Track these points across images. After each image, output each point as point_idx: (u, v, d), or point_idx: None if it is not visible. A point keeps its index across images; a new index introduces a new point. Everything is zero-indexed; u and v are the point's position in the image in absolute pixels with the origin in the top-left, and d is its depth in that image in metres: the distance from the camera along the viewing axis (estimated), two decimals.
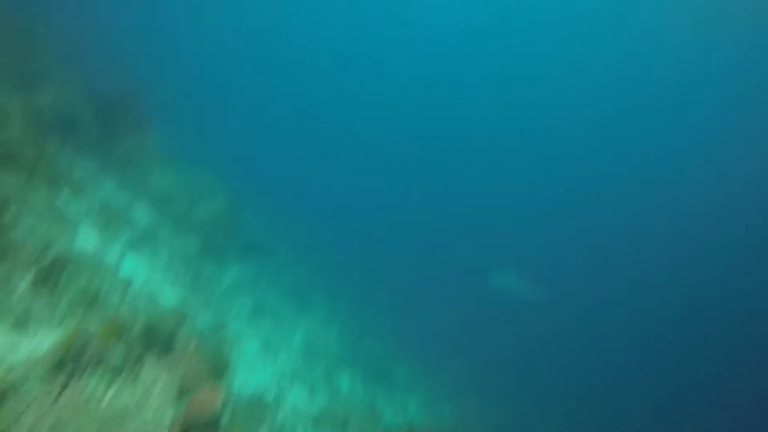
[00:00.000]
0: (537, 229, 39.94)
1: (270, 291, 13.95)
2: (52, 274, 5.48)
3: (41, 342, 4.52)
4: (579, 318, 28.68)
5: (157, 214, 11.28)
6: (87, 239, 7.85)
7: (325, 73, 51.63)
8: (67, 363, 4.17)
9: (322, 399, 10.46)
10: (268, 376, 9.15)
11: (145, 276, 8.53)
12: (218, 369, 6.35)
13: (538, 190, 45.99)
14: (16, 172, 7.73)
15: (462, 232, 36.50)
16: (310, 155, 37.90)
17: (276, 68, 49.04)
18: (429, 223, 37.35)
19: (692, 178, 44.14)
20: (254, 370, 8.99)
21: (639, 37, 40.50)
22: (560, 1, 42.00)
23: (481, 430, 15.73)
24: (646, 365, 27.21)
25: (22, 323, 4.61)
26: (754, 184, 41.06)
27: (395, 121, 50.41)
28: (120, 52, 25.17)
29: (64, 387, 3.97)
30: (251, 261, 14.54)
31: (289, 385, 9.66)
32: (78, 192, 8.88)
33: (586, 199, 44.72)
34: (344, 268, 23.22)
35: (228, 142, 25.84)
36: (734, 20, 34.15)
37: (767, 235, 37.66)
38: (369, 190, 39.11)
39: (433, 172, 46.74)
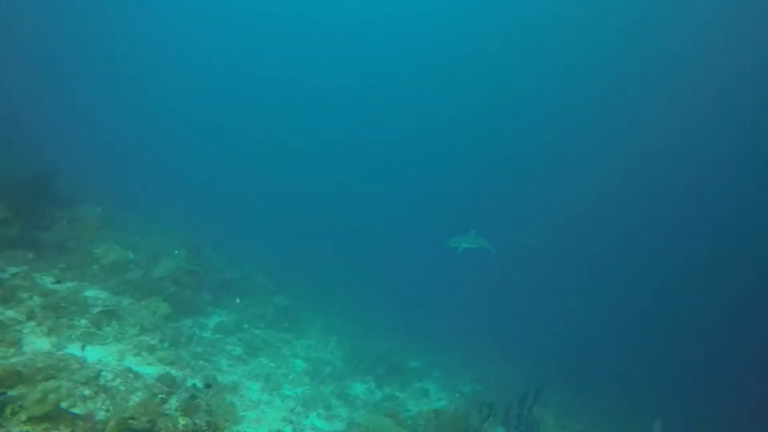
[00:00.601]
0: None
1: (257, 327, 13.36)
2: None
3: None
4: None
5: (113, 291, 10.49)
6: (35, 344, 7.12)
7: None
8: None
9: (342, 414, 10.10)
10: (280, 415, 8.69)
11: (116, 357, 7.87)
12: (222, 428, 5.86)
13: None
14: None
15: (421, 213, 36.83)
16: (252, 183, 37.13)
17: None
18: (391, 209, 37.56)
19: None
20: (263, 413, 8.49)
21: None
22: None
23: (502, 393, 15.74)
24: None
25: None
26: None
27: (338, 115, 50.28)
28: (24, 137, 23.59)
29: None
30: (228, 304, 13.88)
31: (304, 414, 9.23)
32: (12, 296, 8.07)
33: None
34: (323, 277, 22.80)
35: (167, 197, 24.75)
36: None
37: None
38: (319, 189, 38.96)
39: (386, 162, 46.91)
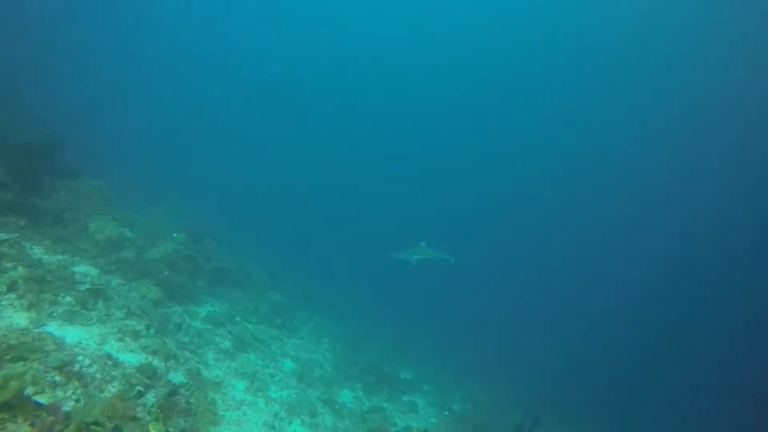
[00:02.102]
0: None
1: (249, 321, 12.92)
2: None
3: None
4: None
5: (104, 269, 10.07)
6: (12, 319, 6.70)
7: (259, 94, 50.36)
8: None
9: (327, 423, 9.64)
10: (262, 418, 8.22)
11: (97, 341, 7.42)
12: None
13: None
14: None
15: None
16: (257, 174, 36.93)
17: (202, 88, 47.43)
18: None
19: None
20: (245, 415, 8.03)
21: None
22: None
23: (493, 415, 15.23)
24: None
25: None
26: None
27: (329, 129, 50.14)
28: (34, 102, 23.34)
29: None
30: (222, 294, 13.46)
31: (288, 420, 8.76)
32: None
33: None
34: (321, 277, 22.42)
35: (170, 178, 24.46)
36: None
37: None
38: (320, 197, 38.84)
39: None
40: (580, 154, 46.65)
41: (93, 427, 3.75)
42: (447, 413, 13.51)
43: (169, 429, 4.47)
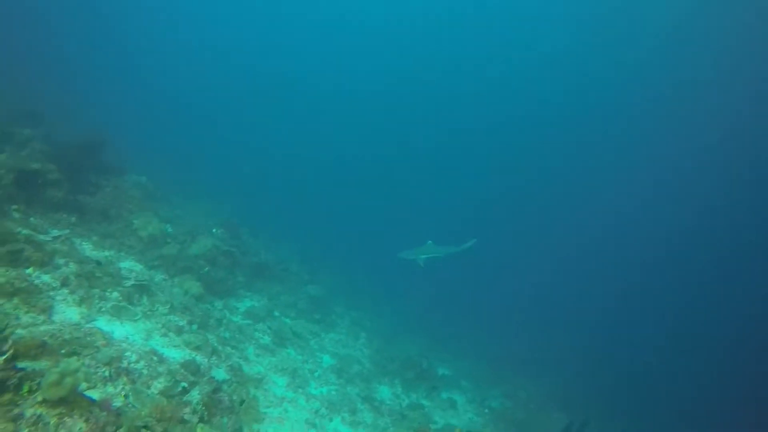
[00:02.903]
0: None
1: (287, 316, 13.03)
2: (10, 375, 4.53)
3: None
4: None
5: (147, 264, 10.32)
6: (65, 314, 6.90)
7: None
8: None
9: (367, 420, 9.57)
10: (304, 416, 8.22)
11: (143, 336, 7.58)
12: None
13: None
14: None
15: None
16: (295, 172, 37.31)
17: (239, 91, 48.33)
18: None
19: None
20: (287, 412, 8.05)
21: None
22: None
23: (532, 413, 14.86)
24: None
25: None
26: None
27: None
28: (79, 102, 24.28)
29: None
30: (261, 289, 13.61)
31: (329, 417, 8.74)
32: (50, 261, 7.91)
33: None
34: (358, 271, 22.41)
35: (205, 172, 24.97)
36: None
37: None
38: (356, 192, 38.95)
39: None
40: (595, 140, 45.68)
41: (143, 430, 3.75)
42: (487, 410, 13.25)
43: (215, 429, 4.46)
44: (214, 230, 14.83)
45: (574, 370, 20.28)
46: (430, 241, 13.33)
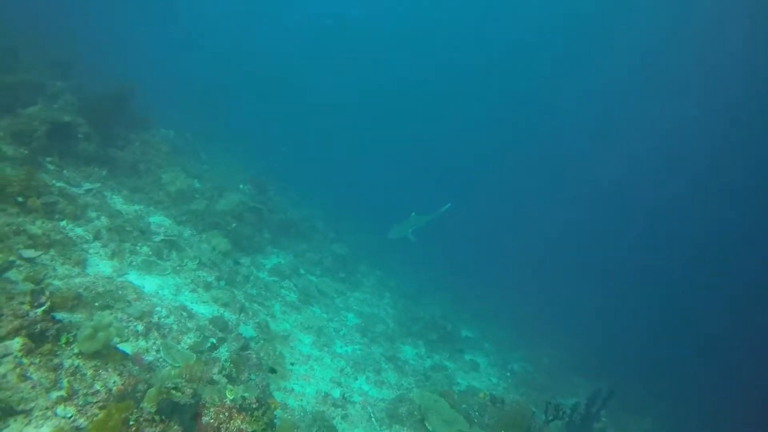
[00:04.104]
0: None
1: (313, 273, 13.12)
2: (49, 325, 4.60)
3: None
4: None
5: (176, 219, 10.40)
6: (98, 267, 7.00)
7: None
8: None
9: (391, 380, 9.69)
10: (329, 374, 8.34)
11: (172, 291, 7.70)
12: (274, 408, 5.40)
13: None
14: (6, 204, 6.89)
15: None
16: (321, 133, 37.00)
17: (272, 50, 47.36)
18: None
19: None
20: (312, 370, 8.18)
21: None
22: None
23: (554, 378, 14.86)
24: None
25: (4, 412, 3.68)
26: None
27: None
28: (107, 54, 24.17)
29: None
30: (287, 246, 13.68)
31: (353, 376, 8.86)
32: (82, 214, 8.00)
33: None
34: (378, 231, 22.39)
35: (237, 130, 24.85)
36: None
37: None
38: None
39: None
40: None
41: (173, 392, 3.77)
42: (509, 374, 13.31)
43: (246, 395, 4.48)
44: (241, 186, 14.85)
45: (598, 337, 20.15)
46: (413, 213, 13.55)
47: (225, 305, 8.01)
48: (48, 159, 9.19)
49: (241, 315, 8.09)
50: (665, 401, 16.37)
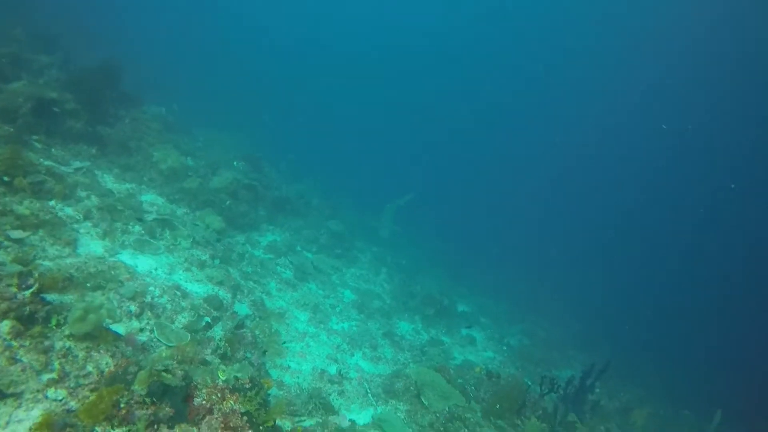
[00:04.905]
0: None
1: (309, 250, 13.08)
2: (39, 307, 4.54)
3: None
4: None
5: (169, 198, 10.27)
6: (89, 247, 6.91)
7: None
8: None
9: (388, 356, 9.76)
10: (325, 351, 8.38)
11: (166, 270, 7.64)
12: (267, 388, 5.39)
13: None
14: None
15: None
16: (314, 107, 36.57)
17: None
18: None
19: None
20: (309, 347, 8.21)
21: None
22: None
23: (550, 350, 15.06)
24: None
25: None
26: None
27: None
28: (97, 27, 23.48)
29: None
30: (283, 223, 13.60)
31: (350, 352, 8.92)
32: (72, 193, 7.87)
33: None
34: (380, 206, 22.31)
35: (228, 106, 24.41)
36: None
37: None
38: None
39: None
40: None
41: (164, 374, 3.73)
42: (505, 348, 13.45)
43: (239, 375, 4.46)
44: (235, 163, 14.66)
45: (593, 312, 20.39)
46: (387, 205, 15.15)
47: (220, 284, 7.97)
48: (34, 137, 8.98)
49: (236, 293, 8.06)
50: (658, 373, 16.68)
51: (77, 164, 9.42)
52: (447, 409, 7.08)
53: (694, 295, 26.66)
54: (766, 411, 14.90)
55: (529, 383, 8.98)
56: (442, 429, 6.61)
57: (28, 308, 4.40)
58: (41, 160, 8.23)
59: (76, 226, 7.42)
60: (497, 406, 7.49)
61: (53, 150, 9.17)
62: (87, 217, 7.73)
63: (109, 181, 9.54)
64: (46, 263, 6.04)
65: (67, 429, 3.38)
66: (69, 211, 7.65)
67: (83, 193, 8.29)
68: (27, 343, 4.32)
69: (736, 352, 20.81)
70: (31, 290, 4.86)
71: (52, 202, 7.44)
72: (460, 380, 8.02)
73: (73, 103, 10.38)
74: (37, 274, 5.16)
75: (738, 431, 13.64)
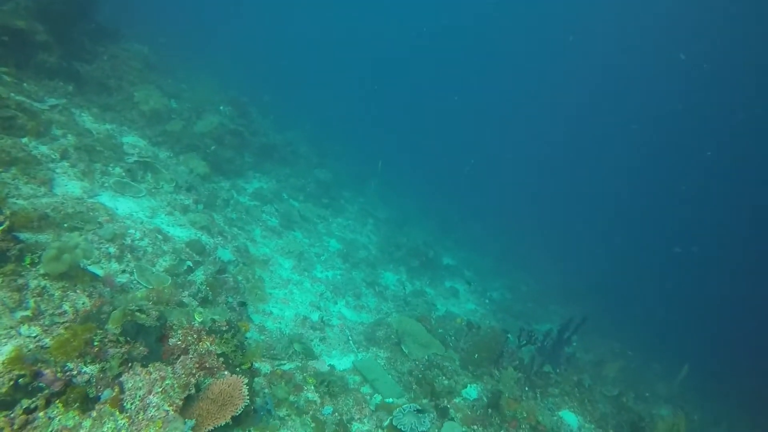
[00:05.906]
0: None
1: (295, 199, 12.95)
2: (11, 245, 4.43)
3: None
4: None
5: (151, 140, 9.95)
6: (67, 187, 6.72)
7: None
8: (16, 395, 3.09)
9: (371, 305, 9.91)
10: (308, 298, 8.45)
11: (147, 214, 7.50)
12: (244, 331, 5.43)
13: None
14: None
15: None
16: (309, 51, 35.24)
17: None
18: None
19: None
20: (292, 294, 8.27)
21: None
22: None
23: (531, 304, 15.43)
24: None
25: None
26: None
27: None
28: None
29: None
30: (269, 171, 13.37)
31: (333, 300, 9.01)
32: (46, 131, 7.56)
33: None
34: (369, 155, 22.03)
35: (218, 46, 23.35)
36: None
37: None
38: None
39: None
40: None
41: (137, 314, 3.69)
42: (487, 301, 13.75)
43: (215, 318, 4.45)
44: (221, 108, 14.18)
45: (573, 268, 20.79)
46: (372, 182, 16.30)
47: (203, 228, 7.88)
48: (2, 69, 8.50)
49: (219, 238, 7.99)
50: (633, 326, 17.28)
51: (52, 101, 9.00)
52: (426, 357, 7.26)
53: (678, 256, 27.28)
54: (732, 365, 15.68)
55: (509, 335, 9.23)
56: (420, 376, 6.79)
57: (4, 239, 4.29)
58: (11, 94, 7.83)
59: (52, 165, 7.18)
60: (476, 356, 7.70)
61: (25, 85, 8.72)
62: (64, 156, 7.48)
63: (87, 120, 9.17)
64: (21, 202, 5.87)
65: (39, 364, 3.36)
66: (44, 149, 7.37)
67: (59, 132, 7.97)
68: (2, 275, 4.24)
69: (710, 309, 21.56)
70: (1, 227, 4.72)
71: (25, 140, 7.15)
72: (440, 330, 8.19)
73: (45, 34, 9.78)
74: (8, 212, 5.01)
75: (704, 384, 14.34)
